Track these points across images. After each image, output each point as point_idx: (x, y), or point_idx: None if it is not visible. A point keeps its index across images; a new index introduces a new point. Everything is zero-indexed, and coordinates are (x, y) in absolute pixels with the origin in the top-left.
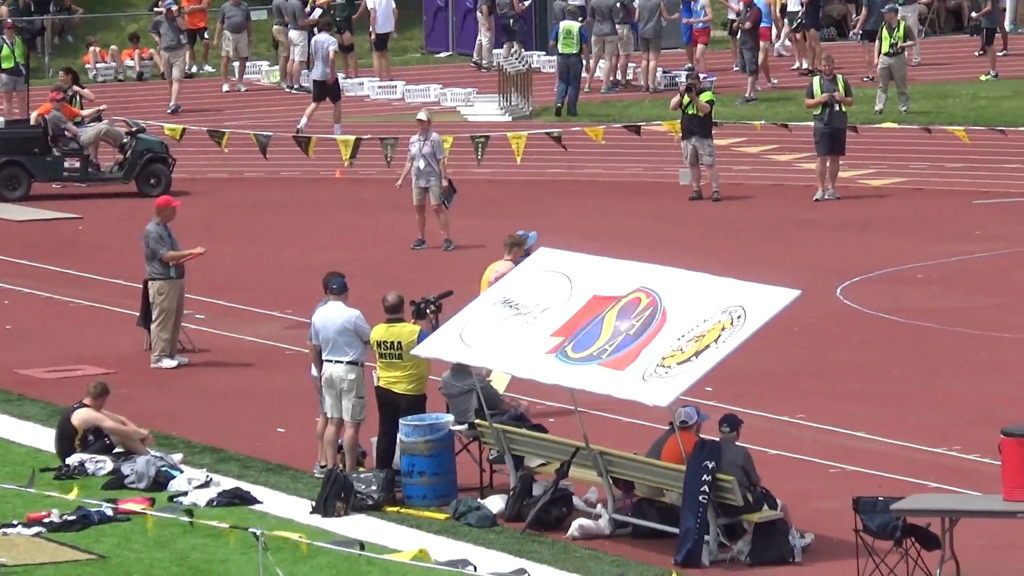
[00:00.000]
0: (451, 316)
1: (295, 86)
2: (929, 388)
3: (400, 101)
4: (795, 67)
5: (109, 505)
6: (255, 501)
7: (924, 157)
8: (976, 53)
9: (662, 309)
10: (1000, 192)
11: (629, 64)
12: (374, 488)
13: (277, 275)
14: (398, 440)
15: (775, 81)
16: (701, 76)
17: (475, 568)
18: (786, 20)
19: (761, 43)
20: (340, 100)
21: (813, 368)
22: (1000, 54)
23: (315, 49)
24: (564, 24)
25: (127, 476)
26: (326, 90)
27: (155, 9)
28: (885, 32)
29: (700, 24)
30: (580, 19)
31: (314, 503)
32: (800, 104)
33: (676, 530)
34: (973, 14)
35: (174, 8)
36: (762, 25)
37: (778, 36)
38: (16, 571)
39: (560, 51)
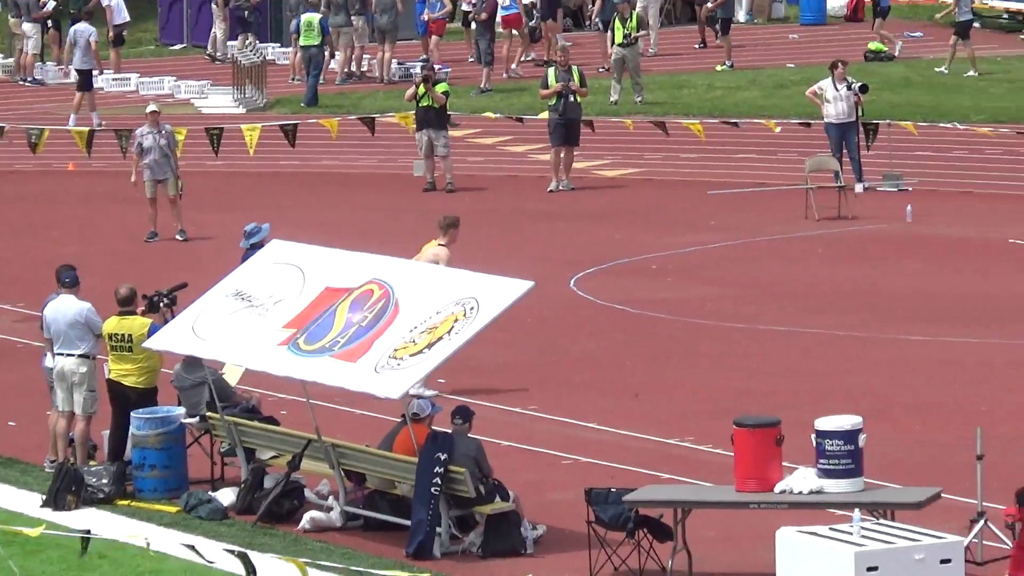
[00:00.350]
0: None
1: (29, 79)
2: (662, 379)
3: (134, 93)
4: (528, 57)
5: None
6: None
7: (659, 148)
8: (697, 45)
9: (394, 301)
10: (734, 183)
11: (364, 55)
12: (105, 481)
13: (8, 268)
14: (129, 433)
15: (517, 73)
16: (436, 67)
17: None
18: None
19: (514, 31)
20: (87, 92)
21: (546, 359)
22: (707, 44)
23: (74, 39)
24: (305, 16)
25: None
26: (86, 79)
27: None
28: (618, 23)
29: (439, 15)
30: (321, 11)
31: (45, 497)
32: (535, 95)
33: (408, 522)
34: (708, 4)
35: None
36: (512, 12)
37: (526, 24)
38: None
39: (301, 43)
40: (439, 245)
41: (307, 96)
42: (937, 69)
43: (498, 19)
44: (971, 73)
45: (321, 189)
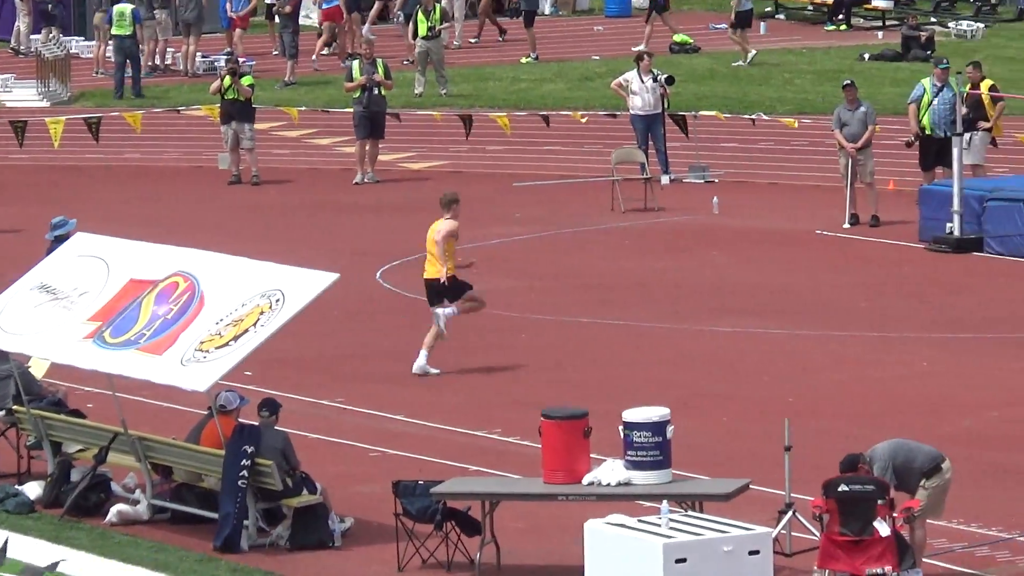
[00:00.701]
0: None
1: None
2: (469, 371)
3: None
4: (323, 53)
5: None
6: None
7: (464, 140)
8: (500, 39)
9: (200, 293)
10: (540, 175)
11: (168, 48)
12: None
13: None
14: None
15: (317, 66)
16: (241, 60)
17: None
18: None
19: (336, 23)
20: None
21: (353, 351)
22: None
23: None
24: (117, 7)
25: None
26: None
27: None
28: (422, 15)
29: (244, 12)
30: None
31: None
32: (340, 88)
33: (215, 515)
34: None
35: None
36: (332, 5)
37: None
38: None
39: (114, 32)
40: (446, 220)
41: (134, 88)
42: (734, 63)
43: (306, 13)
44: (739, 63)
45: (126, 182)
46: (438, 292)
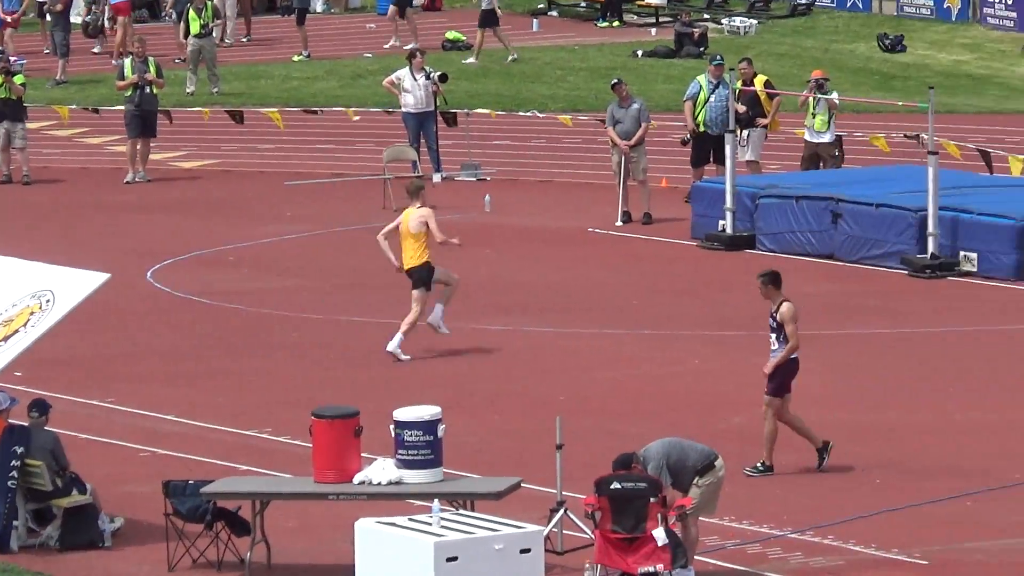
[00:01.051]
0: None
1: None
2: (239, 370)
3: None
4: (95, 50)
5: None
6: None
7: (236, 139)
8: (245, 39)
9: None
10: (312, 173)
11: None
12: None
13: None
14: None
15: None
16: (12, 59)
17: None
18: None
19: (120, 18)
20: None
21: (123, 351)
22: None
23: None
24: None
25: None
26: None
27: None
28: (193, 13)
29: (19, 14)
30: None
31: None
32: (111, 86)
33: None
34: None
35: None
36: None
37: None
38: None
39: None
40: (418, 208)
41: None
42: (464, 60)
43: (77, 12)
44: (471, 60)
45: None
46: (420, 277)
